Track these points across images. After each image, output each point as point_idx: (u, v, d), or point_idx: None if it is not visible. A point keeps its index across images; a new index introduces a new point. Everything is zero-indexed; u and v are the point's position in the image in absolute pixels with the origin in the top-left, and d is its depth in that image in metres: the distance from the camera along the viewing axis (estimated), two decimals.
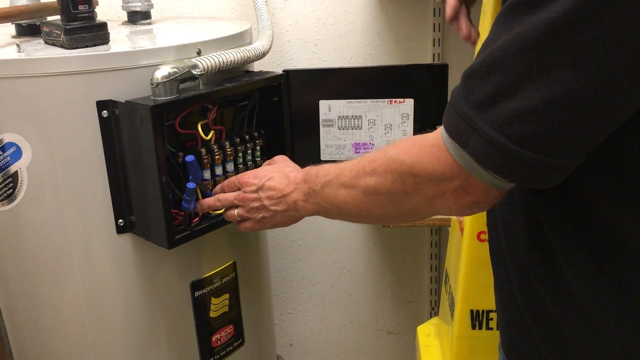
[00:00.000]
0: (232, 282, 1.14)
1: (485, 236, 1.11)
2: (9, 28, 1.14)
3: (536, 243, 0.64)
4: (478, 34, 0.89)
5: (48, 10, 1.05)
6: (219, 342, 1.14)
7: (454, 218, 1.28)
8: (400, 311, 1.86)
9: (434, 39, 1.54)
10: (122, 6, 1.20)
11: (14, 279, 1.03)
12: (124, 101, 0.90)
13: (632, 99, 0.51)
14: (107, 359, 1.05)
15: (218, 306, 1.13)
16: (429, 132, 0.67)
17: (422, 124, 1.11)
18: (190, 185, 0.95)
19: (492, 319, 1.16)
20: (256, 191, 0.91)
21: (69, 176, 0.94)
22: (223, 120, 1.04)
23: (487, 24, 1.05)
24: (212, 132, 0.99)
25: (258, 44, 1.07)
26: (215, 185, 1.01)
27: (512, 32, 0.52)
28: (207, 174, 0.99)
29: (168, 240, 0.93)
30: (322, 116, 1.10)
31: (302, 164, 1.12)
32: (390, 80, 1.08)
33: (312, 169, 0.84)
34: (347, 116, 1.09)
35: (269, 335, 1.35)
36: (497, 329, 1.16)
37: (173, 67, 0.90)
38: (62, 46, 0.94)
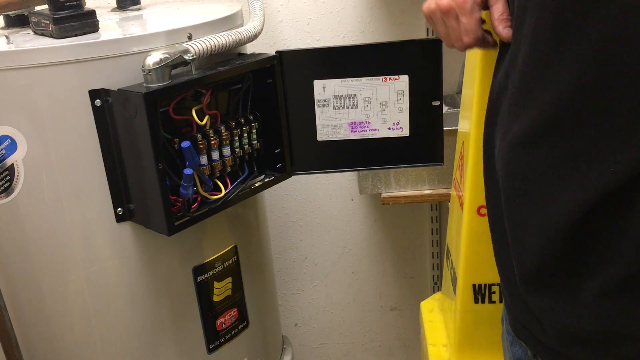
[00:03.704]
0: (234, 266, 1.15)
1: (485, 210, 1.11)
2: None
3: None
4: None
5: (36, 0, 1.04)
6: (223, 325, 1.15)
7: (453, 193, 1.28)
8: (403, 287, 1.87)
9: None
10: None
11: (16, 272, 1.03)
12: (116, 89, 0.89)
13: None
14: (114, 347, 1.06)
15: (221, 290, 1.13)
16: None
17: (418, 100, 1.10)
18: (187, 171, 0.95)
19: (494, 292, 1.17)
20: None
21: (66, 167, 0.94)
22: (217, 104, 1.04)
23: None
24: (206, 117, 0.99)
25: (249, 26, 1.06)
26: (212, 170, 1.01)
27: None
28: (203, 159, 0.99)
29: (168, 227, 0.93)
30: (317, 96, 1.09)
31: (299, 146, 1.12)
32: (384, 57, 1.07)
33: None
34: (342, 95, 1.08)
35: (273, 317, 1.36)
36: (500, 302, 1.17)
37: (164, 53, 0.89)
38: (52, 36, 0.93)
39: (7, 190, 0.95)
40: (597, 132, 0.54)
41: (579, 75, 0.53)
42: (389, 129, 1.11)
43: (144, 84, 0.89)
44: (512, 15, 0.66)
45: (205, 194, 1.01)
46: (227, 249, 1.13)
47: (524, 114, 0.61)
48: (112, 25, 1.06)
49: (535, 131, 0.60)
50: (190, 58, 0.91)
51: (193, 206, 1.00)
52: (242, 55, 1.08)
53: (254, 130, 1.06)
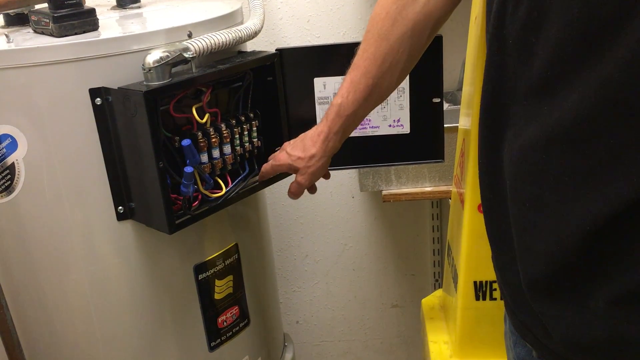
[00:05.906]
0: (235, 264, 1.15)
1: None
2: None
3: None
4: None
5: None
6: (224, 323, 1.15)
7: (454, 190, 1.28)
8: (404, 284, 1.87)
9: None
10: None
11: (17, 271, 1.03)
12: (116, 88, 0.89)
13: None
14: (115, 345, 1.06)
15: (222, 288, 1.13)
16: None
17: (418, 97, 1.10)
18: (188, 169, 0.95)
19: (495, 289, 1.17)
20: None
21: (66, 165, 0.94)
22: (218, 102, 1.04)
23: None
24: (207, 115, 0.99)
25: (249, 24, 1.06)
26: (213, 168, 1.01)
27: None
28: (204, 157, 0.99)
29: (169, 225, 0.93)
30: (317, 94, 1.09)
31: None
32: None
33: None
34: None
35: (274, 314, 1.36)
36: (501, 299, 1.17)
37: (164, 51, 0.89)
38: (52, 34, 0.93)
39: (8, 189, 0.95)
40: (620, 142, 0.52)
41: (606, 83, 0.51)
42: (390, 126, 1.11)
43: (144, 83, 0.89)
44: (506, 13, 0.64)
45: (206, 192, 1.01)
46: (228, 247, 1.13)
47: (541, 117, 0.58)
48: (112, 24, 1.06)
49: (553, 136, 0.57)
50: (191, 56, 0.91)
51: (194, 204, 1.00)
52: (242, 53, 1.08)
53: (255, 128, 1.06)
